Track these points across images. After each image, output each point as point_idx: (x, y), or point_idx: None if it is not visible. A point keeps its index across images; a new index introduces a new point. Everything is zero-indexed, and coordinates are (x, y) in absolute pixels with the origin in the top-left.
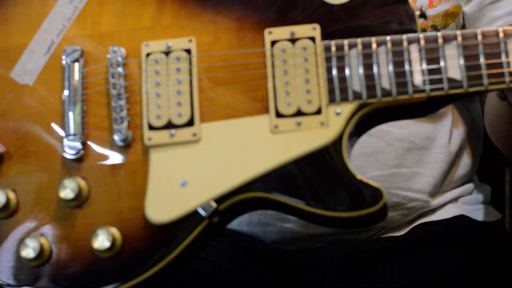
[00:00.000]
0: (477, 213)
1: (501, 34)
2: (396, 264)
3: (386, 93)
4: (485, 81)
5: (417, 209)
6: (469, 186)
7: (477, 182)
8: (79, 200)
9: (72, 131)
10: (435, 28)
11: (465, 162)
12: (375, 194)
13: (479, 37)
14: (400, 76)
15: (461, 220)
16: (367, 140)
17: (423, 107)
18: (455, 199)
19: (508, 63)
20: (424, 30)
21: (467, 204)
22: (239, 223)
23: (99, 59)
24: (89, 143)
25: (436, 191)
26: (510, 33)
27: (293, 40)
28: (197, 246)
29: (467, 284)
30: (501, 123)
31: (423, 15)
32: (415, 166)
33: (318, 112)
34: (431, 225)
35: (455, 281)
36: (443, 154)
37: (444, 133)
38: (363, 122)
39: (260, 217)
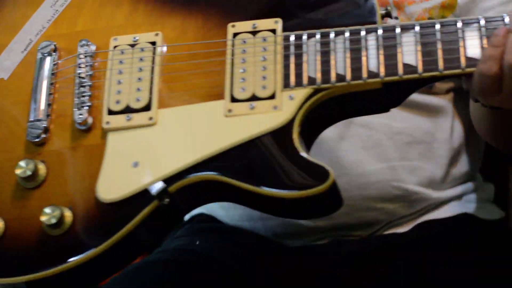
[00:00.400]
0: (481, 211)
1: (459, 24)
2: (400, 263)
3: (340, 78)
4: (440, 65)
5: (419, 201)
6: (472, 184)
7: (480, 181)
8: (36, 180)
9: (36, 117)
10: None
11: (467, 158)
12: (323, 174)
13: (437, 26)
14: (356, 61)
15: (464, 218)
16: (367, 133)
17: (383, 99)
18: (459, 197)
19: (464, 48)
20: None
21: (471, 202)
22: (240, 219)
23: (71, 52)
24: (53, 128)
25: (437, 186)
26: (467, 21)
27: (254, 32)
28: (149, 228)
29: (471, 282)
30: (480, 124)
31: (388, 14)
32: (415, 160)
33: (272, 97)
34: (434, 223)
35: (459, 280)
36: (444, 150)
37: (445, 128)
38: (319, 111)
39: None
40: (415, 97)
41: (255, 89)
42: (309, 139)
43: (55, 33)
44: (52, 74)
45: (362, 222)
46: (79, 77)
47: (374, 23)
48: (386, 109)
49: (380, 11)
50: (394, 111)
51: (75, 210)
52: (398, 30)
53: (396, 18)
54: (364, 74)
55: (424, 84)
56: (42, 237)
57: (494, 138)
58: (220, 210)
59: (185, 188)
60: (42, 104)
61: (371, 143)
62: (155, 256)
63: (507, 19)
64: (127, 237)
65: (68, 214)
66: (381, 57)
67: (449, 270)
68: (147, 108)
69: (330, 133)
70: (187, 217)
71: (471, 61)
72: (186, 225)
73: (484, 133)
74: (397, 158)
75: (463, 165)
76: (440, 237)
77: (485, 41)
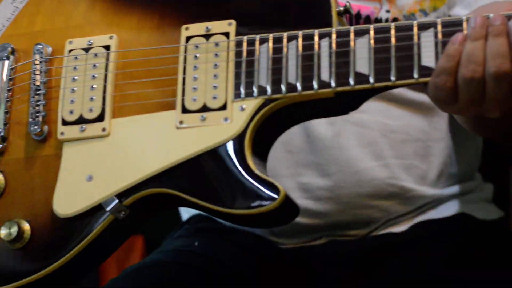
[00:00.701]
0: (479, 211)
1: (415, 28)
2: (398, 263)
3: (291, 88)
4: (393, 74)
5: (415, 198)
6: (471, 183)
7: (479, 180)
8: None
9: None
10: (423, 12)
11: (464, 157)
12: (274, 192)
13: (392, 31)
14: (307, 70)
15: (462, 218)
16: (362, 131)
17: (338, 105)
18: (456, 196)
19: (419, 56)
20: (412, 15)
21: (469, 201)
22: None
23: (28, 56)
24: (10, 137)
25: (434, 184)
26: (424, 25)
27: (207, 36)
28: (108, 241)
29: (469, 282)
30: (459, 117)
31: (347, 11)
32: (410, 158)
33: (224, 107)
34: (432, 223)
35: (457, 280)
36: (439, 148)
37: (441, 126)
38: (272, 120)
39: None
40: (410, 95)
41: (206, 99)
42: (264, 148)
43: (14, 32)
44: (10, 79)
45: (358, 220)
46: (34, 84)
47: (331, 23)
48: (345, 113)
49: (338, 8)
50: (389, 109)
51: (33, 223)
52: (351, 35)
53: (388, 11)
54: (316, 84)
55: (378, 92)
56: (4, 248)
57: (475, 130)
58: None
59: (140, 200)
60: (1, 113)
61: (366, 141)
62: (154, 257)
63: (465, 24)
64: (88, 247)
65: (26, 227)
66: (333, 66)
67: (446, 271)
68: (100, 118)
69: (324, 131)
70: (185, 217)
71: (425, 70)
72: (184, 225)
73: (465, 125)
74: (392, 156)
75: (459, 164)
76: (438, 237)
77: (440, 48)
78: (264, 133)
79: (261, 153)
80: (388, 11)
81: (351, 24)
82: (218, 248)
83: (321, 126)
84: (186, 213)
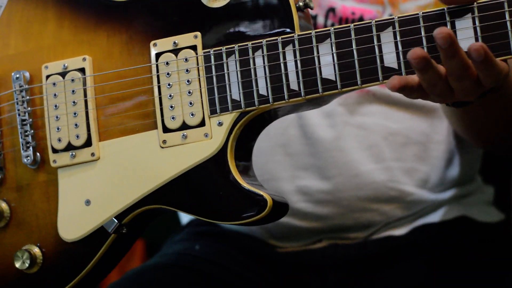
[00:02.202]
0: (480, 214)
1: (374, 29)
2: (397, 267)
3: (263, 100)
4: (358, 78)
5: (415, 203)
6: (471, 186)
7: (479, 183)
8: (3, 220)
9: None
10: None
11: (464, 160)
12: (261, 202)
13: (352, 33)
14: (276, 80)
15: (463, 221)
16: (362, 134)
17: (312, 103)
18: (456, 199)
19: (381, 57)
20: None
21: (469, 204)
22: None
23: (8, 84)
24: (8, 166)
25: (433, 187)
26: (381, 24)
27: (176, 51)
28: (114, 254)
29: (470, 285)
30: (453, 122)
31: (306, 6)
32: (411, 161)
33: (202, 124)
34: (432, 227)
35: (458, 283)
36: (439, 151)
37: (442, 129)
38: (250, 127)
39: None
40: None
41: (185, 117)
42: (246, 151)
43: None
44: None
45: (358, 223)
46: (19, 115)
47: (292, 27)
48: (318, 106)
49: (297, 4)
50: (390, 112)
51: (43, 246)
52: (314, 40)
53: (391, 15)
54: (286, 94)
55: (348, 91)
56: (21, 275)
57: (468, 134)
58: None
59: (138, 216)
60: None
61: (367, 143)
62: (155, 261)
63: (421, 22)
64: (98, 264)
65: (37, 252)
66: (301, 75)
67: (447, 274)
68: (87, 144)
69: (325, 134)
70: (185, 221)
71: (389, 71)
72: (185, 229)
73: (459, 130)
74: (393, 158)
75: (460, 167)
76: (438, 240)
77: (400, 47)
78: (244, 140)
79: (244, 156)
80: (391, 15)
81: None
82: (218, 252)
83: (320, 128)
84: (186, 216)
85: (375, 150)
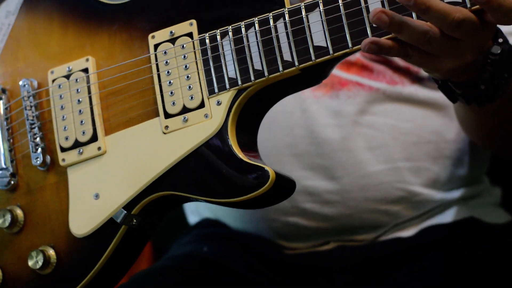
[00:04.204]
0: (487, 215)
1: None
2: (405, 269)
3: (258, 74)
4: (349, 41)
5: (423, 203)
6: (479, 187)
7: (487, 184)
8: (17, 226)
9: (1, 165)
10: None
11: (474, 160)
12: (264, 175)
13: (340, 1)
14: (269, 54)
15: (470, 222)
16: (372, 133)
17: (309, 77)
18: (464, 200)
19: (368, 18)
20: None
21: (477, 205)
22: (243, 222)
23: (17, 93)
24: (20, 172)
25: (442, 187)
26: None
27: (173, 40)
28: (128, 248)
29: (478, 287)
30: (465, 122)
31: None
32: (421, 160)
33: (202, 105)
34: (440, 228)
35: (466, 285)
36: (450, 150)
37: (453, 128)
38: (251, 106)
39: (263, 213)
40: (422, 95)
41: (185, 101)
42: (251, 131)
43: (1, 71)
44: (6, 119)
45: (366, 224)
46: (28, 119)
47: (283, 2)
48: (317, 82)
49: None
50: (401, 111)
51: (57, 248)
52: (303, 12)
53: None
54: (280, 65)
55: (344, 57)
56: (36, 276)
57: (478, 136)
58: (224, 213)
59: (147, 207)
60: (6, 151)
61: (376, 143)
62: (163, 263)
63: None
64: (112, 258)
65: (51, 253)
66: (293, 45)
67: (455, 276)
68: (94, 139)
69: (333, 134)
70: (193, 222)
71: (378, 31)
72: (192, 231)
73: (469, 131)
74: (402, 158)
75: (469, 167)
76: (446, 242)
77: (387, 5)
78: (246, 119)
79: (248, 136)
80: None
81: None
82: (226, 254)
83: (328, 128)
84: (193, 218)
85: (383, 150)
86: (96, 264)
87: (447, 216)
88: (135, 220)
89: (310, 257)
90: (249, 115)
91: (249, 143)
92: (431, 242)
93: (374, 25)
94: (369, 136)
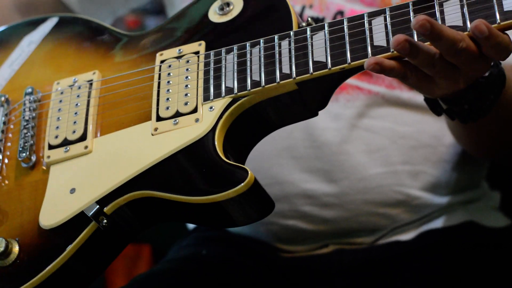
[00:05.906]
0: (486, 219)
1: (366, 18)
2: (404, 273)
3: (255, 83)
4: (348, 56)
5: (422, 207)
6: (478, 191)
7: (486, 188)
8: None
9: None
10: None
11: (472, 164)
12: (242, 175)
13: (345, 22)
14: (269, 66)
15: (470, 227)
16: (370, 137)
17: (305, 100)
18: (463, 204)
19: (371, 37)
20: None
21: (476, 210)
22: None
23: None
24: (3, 172)
25: (441, 191)
26: (374, 13)
27: (180, 57)
28: (96, 250)
29: None
30: (459, 137)
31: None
32: (419, 164)
33: (195, 110)
34: (439, 232)
35: None
36: (449, 154)
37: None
38: (245, 119)
39: None
40: (420, 98)
41: (179, 106)
42: (239, 151)
43: (10, 88)
44: (3, 123)
45: (364, 227)
46: (24, 119)
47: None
48: (314, 113)
49: (300, 24)
50: (399, 115)
51: (22, 241)
52: (308, 32)
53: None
54: (277, 76)
55: (341, 80)
56: None
57: (467, 147)
58: None
59: (122, 208)
60: None
61: (374, 147)
62: (162, 266)
63: (411, 6)
64: (76, 255)
65: (14, 245)
66: (293, 59)
67: (453, 280)
68: (82, 138)
69: (332, 137)
70: (192, 226)
71: (378, 48)
72: (191, 234)
73: (458, 141)
74: (400, 162)
75: (467, 171)
76: (445, 246)
77: (390, 27)
78: (237, 132)
79: (237, 154)
80: None
81: None
82: (225, 257)
83: (327, 131)
84: None
85: (382, 153)
86: (58, 257)
87: (446, 220)
88: (105, 220)
89: (308, 260)
90: (241, 130)
91: (236, 159)
92: (430, 245)
93: (375, 44)
94: (368, 140)
